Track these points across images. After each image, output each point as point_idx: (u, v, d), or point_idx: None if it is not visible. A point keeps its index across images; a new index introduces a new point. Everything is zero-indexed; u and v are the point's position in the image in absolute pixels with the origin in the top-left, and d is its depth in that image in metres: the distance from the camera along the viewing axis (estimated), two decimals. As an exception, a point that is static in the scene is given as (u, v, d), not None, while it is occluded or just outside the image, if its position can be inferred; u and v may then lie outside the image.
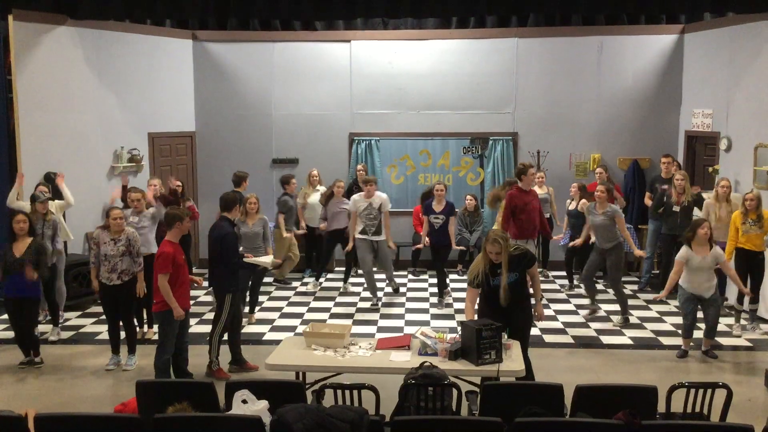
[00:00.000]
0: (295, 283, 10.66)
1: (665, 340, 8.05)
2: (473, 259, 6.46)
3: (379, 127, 11.64)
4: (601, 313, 9.01)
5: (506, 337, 5.62)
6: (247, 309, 8.72)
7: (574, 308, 9.31)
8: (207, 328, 7.47)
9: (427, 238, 9.47)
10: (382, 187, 11.42)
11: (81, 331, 8.53)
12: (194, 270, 10.79)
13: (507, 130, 11.53)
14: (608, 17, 11.26)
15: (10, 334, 7.81)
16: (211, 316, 7.61)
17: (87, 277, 8.65)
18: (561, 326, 8.57)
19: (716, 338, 7.75)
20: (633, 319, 8.76)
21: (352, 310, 9.37)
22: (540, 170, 10.86)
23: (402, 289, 10.25)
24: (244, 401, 4.39)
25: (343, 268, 10.39)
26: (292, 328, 8.50)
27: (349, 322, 8.47)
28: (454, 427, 4.27)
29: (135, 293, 7.36)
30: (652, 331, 8.39)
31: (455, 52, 11.45)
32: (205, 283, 7.74)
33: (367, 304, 9.51)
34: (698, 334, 7.58)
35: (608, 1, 9.31)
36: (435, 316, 9.02)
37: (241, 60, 11.60)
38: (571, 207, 9.98)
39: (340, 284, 10.32)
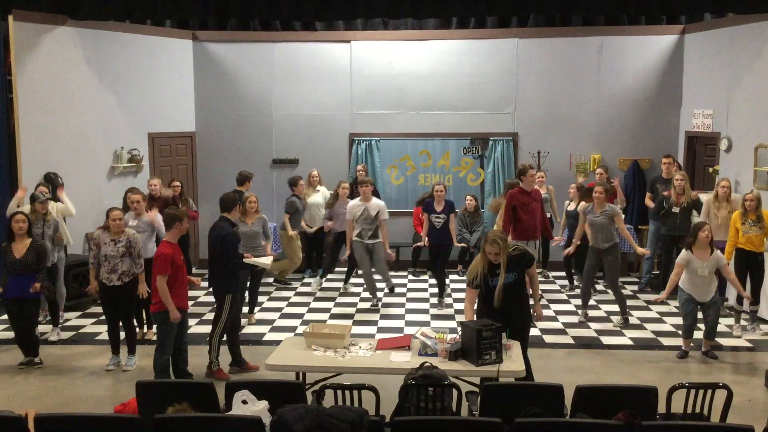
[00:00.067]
0: (295, 284, 10.66)
1: (665, 341, 8.05)
2: (473, 260, 6.46)
3: (379, 127, 11.64)
4: (601, 314, 9.01)
5: (506, 337, 5.62)
6: (246, 309, 8.72)
7: (574, 309, 9.30)
8: (207, 329, 7.48)
9: (426, 238, 9.48)
10: (382, 187, 11.46)
11: (81, 331, 8.53)
12: (194, 270, 10.82)
13: (507, 131, 11.53)
14: (608, 18, 11.26)
15: (10, 334, 7.82)
16: (211, 316, 7.61)
17: (87, 277, 8.64)
18: (561, 327, 8.57)
19: (716, 339, 7.75)
20: (633, 320, 8.76)
21: (352, 310, 9.37)
22: (540, 170, 10.85)
23: (402, 290, 10.25)
24: (244, 401, 4.40)
25: (344, 269, 10.40)
26: (292, 329, 8.50)
27: (349, 322, 8.46)
28: (454, 428, 4.27)
29: (135, 294, 7.35)
30: (652, 332, 8.38)
31: (455, 53, 11.45)
32: (204, 284, 7.72)
33: (367, 305, 9.52)
34: (698, 334, 7.58)
35: (608, 2, 9.31)
36: (435, 317, 9.02)
37: (241, 60, 11.60)
38: (570, 208, 9.97)
39: (341, 285, 10.33)
